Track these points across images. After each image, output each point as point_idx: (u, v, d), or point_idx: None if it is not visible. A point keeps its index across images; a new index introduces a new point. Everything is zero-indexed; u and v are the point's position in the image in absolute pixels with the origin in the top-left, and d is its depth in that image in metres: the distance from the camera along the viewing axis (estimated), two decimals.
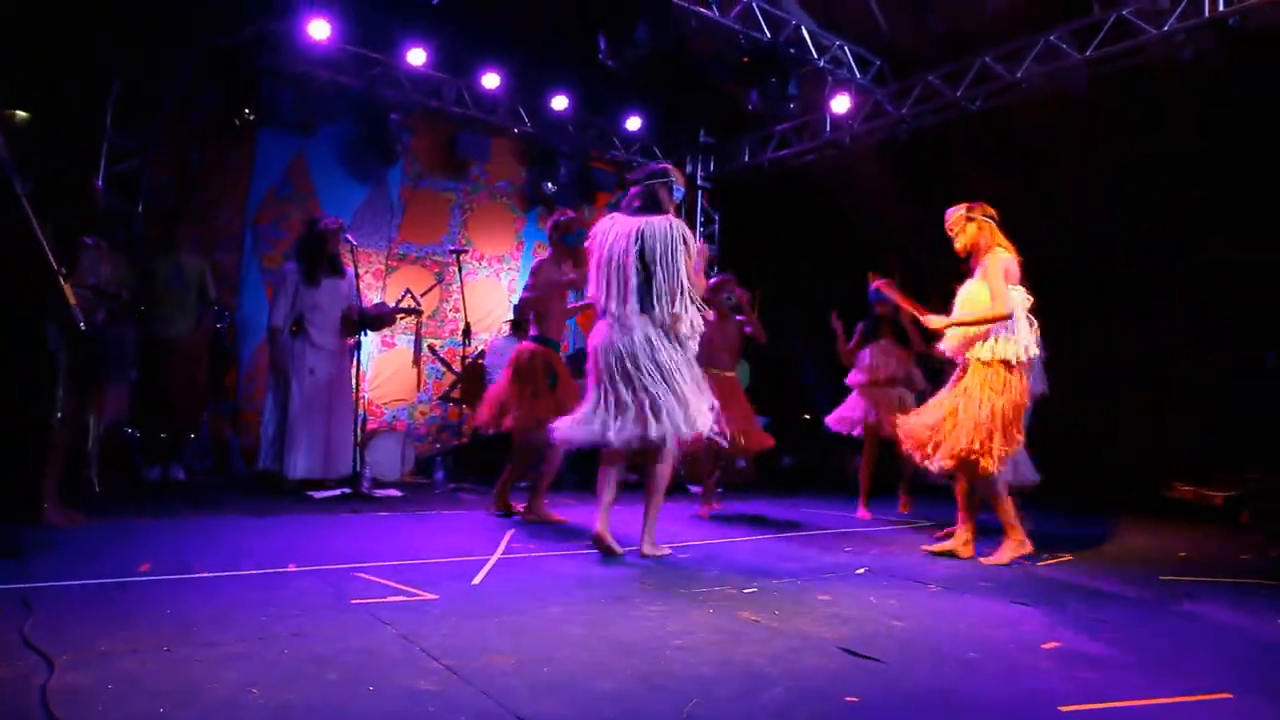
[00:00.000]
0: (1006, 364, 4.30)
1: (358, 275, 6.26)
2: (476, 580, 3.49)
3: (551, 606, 3.09)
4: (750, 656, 2.57)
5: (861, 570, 4.07)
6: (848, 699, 2.24)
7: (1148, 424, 7.69)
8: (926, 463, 4.48)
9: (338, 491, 5.99)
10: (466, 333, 7.09)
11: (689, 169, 10.60)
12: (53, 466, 4.34)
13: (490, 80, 8.46)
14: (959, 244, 4.59)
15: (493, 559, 3.86)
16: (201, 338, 6.51)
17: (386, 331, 7.73)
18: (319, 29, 7.33)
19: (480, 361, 7.80)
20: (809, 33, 8.15)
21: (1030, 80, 7.56)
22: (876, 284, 6.11)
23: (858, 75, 8.57)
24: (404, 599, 3.11)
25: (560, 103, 8.95)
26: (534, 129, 9.12)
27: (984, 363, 4.36)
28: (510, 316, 8.47)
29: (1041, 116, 7.76)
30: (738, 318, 6.40)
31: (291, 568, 3.59)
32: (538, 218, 9.45)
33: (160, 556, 3.67)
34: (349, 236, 6.33)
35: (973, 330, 4.41)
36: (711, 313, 6.28)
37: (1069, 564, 4.44)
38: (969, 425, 4.28)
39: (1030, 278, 4.61)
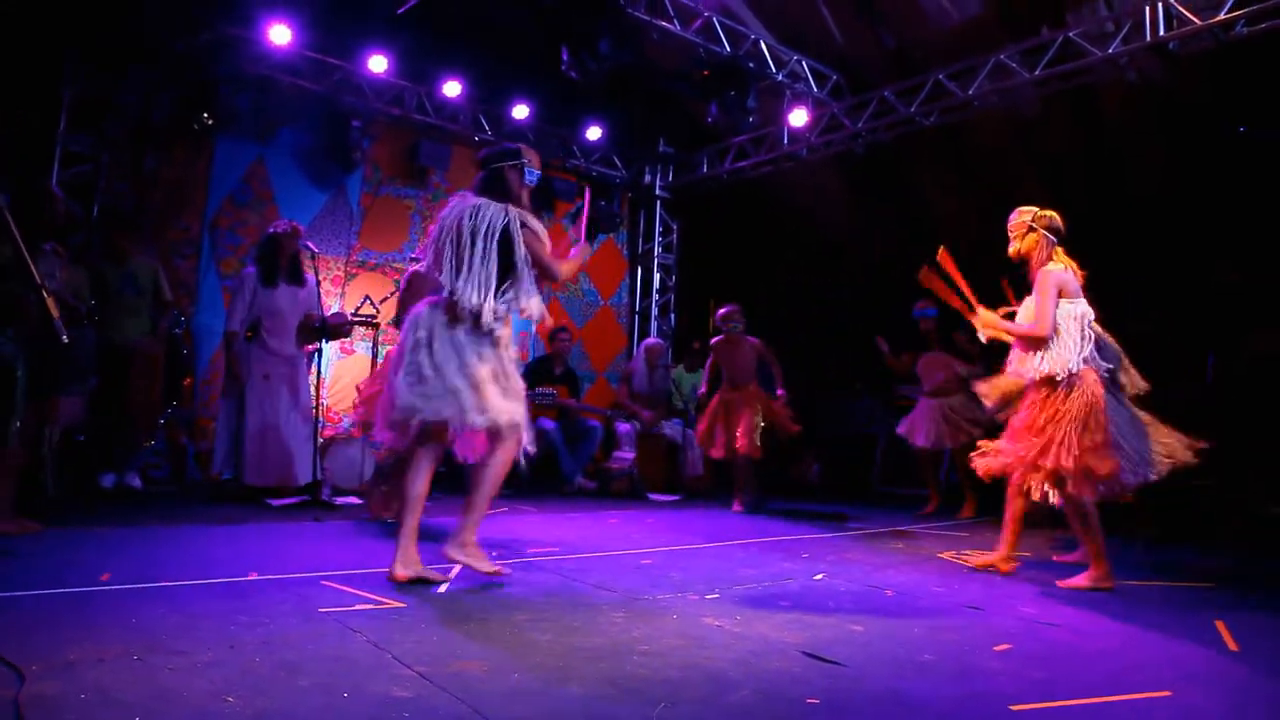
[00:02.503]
0: (1053, 379, 4.17)
1: (319, 283, 6.23)
2: (442, 588, 3.52)
3: (517, 614, 3.14)
4: (714, 660, 2.64)
5: (819, 576, 4.17)
6: (809, 700, 2.32)
7: None
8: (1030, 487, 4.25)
9: (297, 499, 5.96)
10: None
11: (648, 178, 10.71)
12: (7, 476, 4.29)
13: (451, 88, 8.49)
14: (1012, 249, 4.42)
15: (457, 567, 3.89)
16: (157, 343, 6.44)
17: (348, 339, 7.71)
18: (280, 34, 7.33)
19: None
20: (768, 47, 8.31)
21: (982, 98, 7.77)
22: (920, 305, 6.93)
23: (815, 89, 8.74)
24: (372, 607, 3.14)
25: (521, 112, 9.01)
26: (495, 137, 9.15)
27: (1036, 382, 4.26)
28: None
29: (994, 133, 8.00)
30: (749, 340, 7.13)
31: (253, 576, 3.59)
32: None
33: (121, 565, 3.66)
34: (310, 244, 6.31)
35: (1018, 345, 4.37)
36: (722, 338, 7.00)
37: (1024, 569, 4.57)
38: (1040, 444, 4.13)
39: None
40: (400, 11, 6.29)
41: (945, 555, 4.93)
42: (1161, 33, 6.62)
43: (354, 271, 8.45)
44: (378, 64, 8.01)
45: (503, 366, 3.73)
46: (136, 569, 3.62)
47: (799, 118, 8.68)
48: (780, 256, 10.22)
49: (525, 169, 3.84)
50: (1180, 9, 6.51)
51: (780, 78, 8.45)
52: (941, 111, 8.13)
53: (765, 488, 7.39)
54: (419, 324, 3.68)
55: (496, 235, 3.64)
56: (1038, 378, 4.23)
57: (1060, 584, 4.16)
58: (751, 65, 8.13)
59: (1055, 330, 4.19)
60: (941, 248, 4.57)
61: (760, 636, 2.96)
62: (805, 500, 7.90)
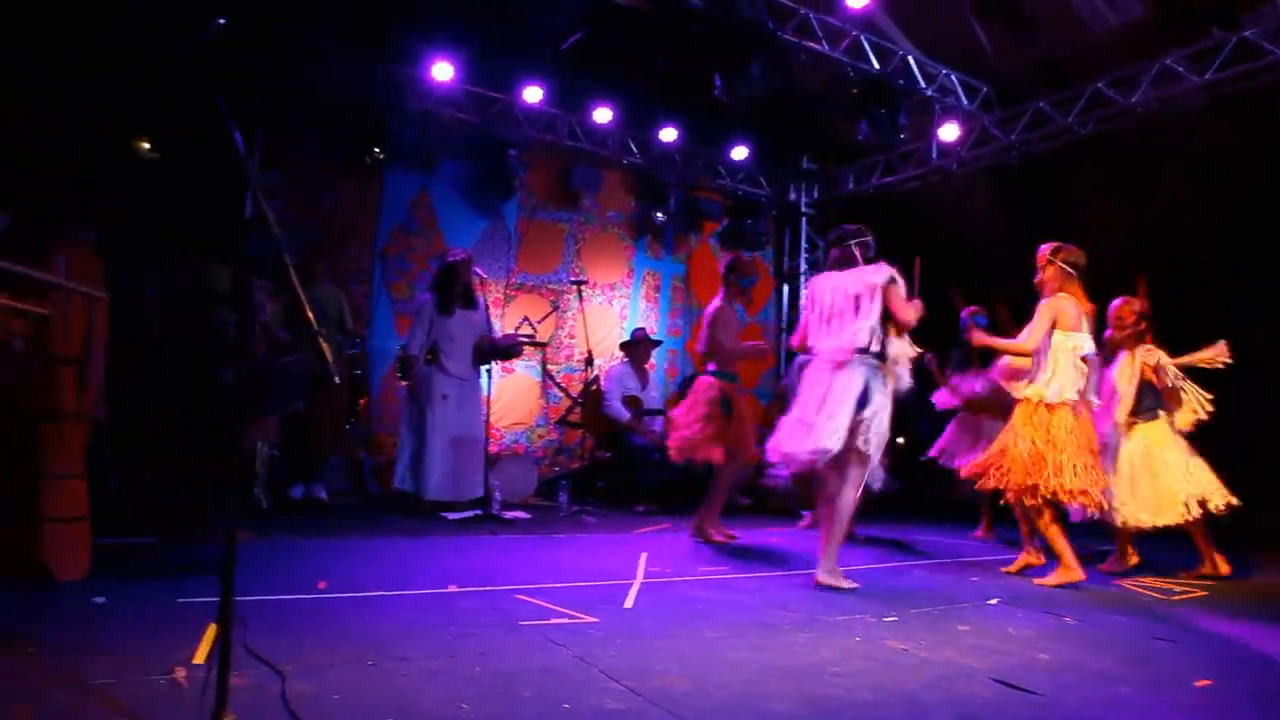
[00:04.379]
0: (1046, 404, 4.58)
1: (487, 306, 6.57)
2: (628, 604, 3.70)
3: (706, 631, 3.28)
4: (906, 684, 2.70)
5: (994, 600, 4.15)
6: None
7: None
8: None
9: (470, 513, 6.28)
10: (589, 360, 7.36)
11: (793, 196, 10.75)
12: (234, 489, 4.72)
13: (602, 115, 8.76)
14: (1036, 279, 4.86)
15: (637, 583, 4.06)
16: (340, 366, 6.91)
17: (511, 359, 8.08)
18: (442, 71, 7.75)
19: (596, 387, 8.06)
20: (916, 62, 8.24)
21: (1145, 104, 7.49)
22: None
23: (965, 102, 8.60)
24: (567, 620, 3.33)
25: (669, 135, 9.21)
26: (643, 160, 9.39)
27: (1021, 400, 4.72)
28: (622, 341, 8.72)
29: (1157, 141, 7.69)
30: None
31: (452, 588, 3.85)
32: (646, 246, 9.74)
33: (332, 574, 3.98)
34: (478, 270, 6.66)
35: (1015, 363, 4.88)
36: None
37: (1207, 599, 4.42)
38: (1018, 461, 4.56)
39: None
40: (563, 48, 6.57)
41: (1125, 583, 4.80)
42: None
43: (512, 293, 8.81)
44: (533, 94, 8.35)
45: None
46: (347, 578, 3.93)
47: (950, 132, 8.57)
48: (929, 272, 10.06)
49: (869, 244, 4.65)
50: None
51: (929, 92, 8.36)
52: (1100, 120, 7.87)
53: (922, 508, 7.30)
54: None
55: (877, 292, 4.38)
56: (1023, 396, 4.68)
57: (1036, 582, 4.64)
58: (900, 81, 8.08)
59: (1035, 352, 4.63)
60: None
61: (947, 662, 3.00)
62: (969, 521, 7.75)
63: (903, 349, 4.39)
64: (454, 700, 2.39)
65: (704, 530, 5.78)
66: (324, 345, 2.05)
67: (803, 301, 4.91)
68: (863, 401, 4.24)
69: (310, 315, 2.07)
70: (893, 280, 4.39)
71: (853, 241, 4.62)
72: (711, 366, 5.81)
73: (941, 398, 6.93)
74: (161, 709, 2.24)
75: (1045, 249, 4.83)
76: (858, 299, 4.39)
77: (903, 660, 2.99)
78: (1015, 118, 8.44)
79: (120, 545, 4.25)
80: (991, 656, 3.08)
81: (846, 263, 4.58)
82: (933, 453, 6.94)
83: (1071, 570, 4.53)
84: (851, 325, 4.34)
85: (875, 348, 4.30)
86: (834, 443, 4.18)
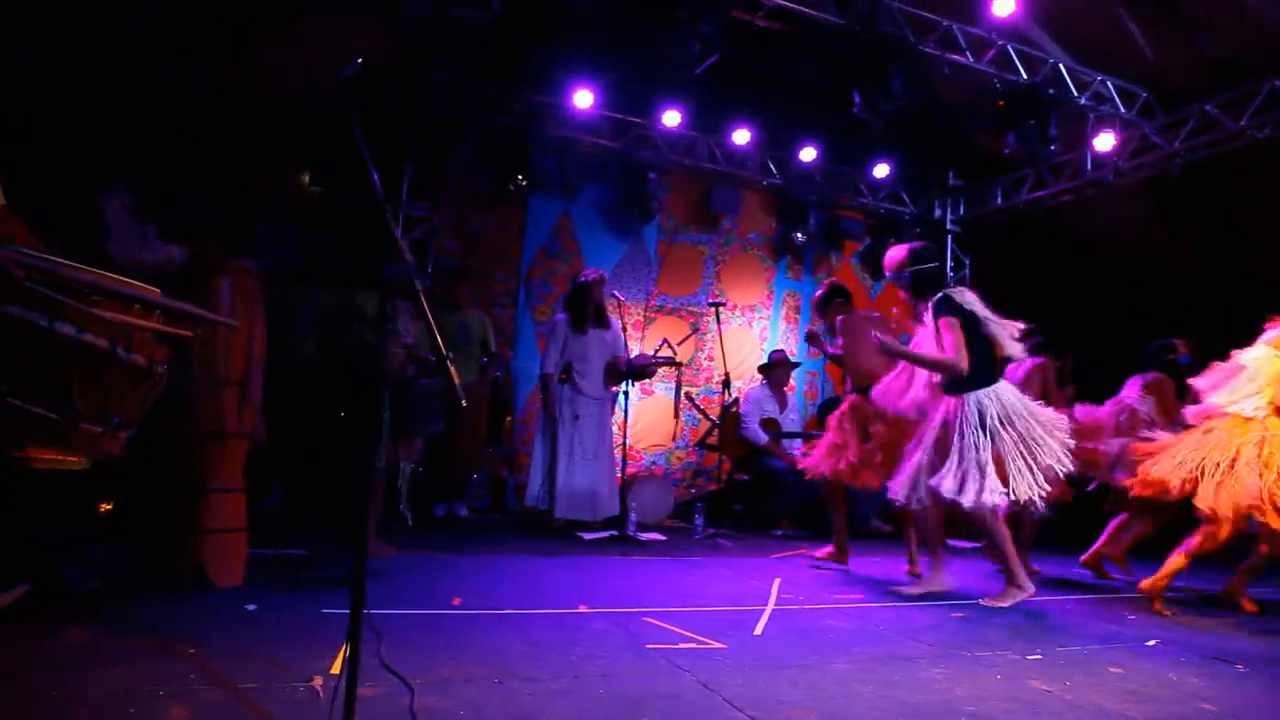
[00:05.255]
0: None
1: (623, 327, 6.64)
2: (758, 630, 3.63)
3: (837, 662, 3.17)
4: None
5: (1153, 642, 3.85)
6: None
7: None
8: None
9: (605, 533, 6.34)
10: (726, 383, 7.33)
11: (938, 213, 10.41)
12: (372, 506, 4.94)
13: (741, 136, 8.75)
14: None
15: (768, 609, 3.99)
16: (483, 387, 7.13)
17: (647, 380, 8.13)
18: (583, 99, 7.94)
19: (735, 410, 8.01)
20: (1067, 70, 7.87)
21: None
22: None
23: (1122, 109, 8.15)
24: (694, 646, 3.30)
25: (808, 154, 9.11)
26: (782, 181, 9.32)
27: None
28: (761, 363, 8.63)
29: None
30: (1035, 362, 6.54)
31: (583, 609, 3.88)
32: (787, 267, 9.65)
33: (468, 590, 4.08)
34: (615, 292, 6.74)
35: None
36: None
37: None
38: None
39: None
40: (697, 72, 6.60)
41: None
42: None
43: (652, 316, 8.89)
44: (671, 119, 8.43)
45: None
46: (481, 595, 4.02)
47: (1105, 142, 8.12)
48: (1083, 288, 9.54)
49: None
50: None
51: (1083, 101, 7.96)
52: (1278, 122, 7.28)
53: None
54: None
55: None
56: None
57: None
58: (1051, 91, 7.72)
59: None
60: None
61: (1095, 706, 2.80)
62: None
63: None
64: None
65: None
66: (452, 369, 2.10)
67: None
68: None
69: (440, 340, 2.13)
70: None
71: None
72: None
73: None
74: (298, 715, 2.34)
75: None
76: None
77: (1045, 703, 2.81)
78: (1178, 124, 7.92)
79: (274, 556, 4.49)
80: (1148, 704, 2.85)
81: None
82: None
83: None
84: None
85: None
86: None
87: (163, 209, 4.24)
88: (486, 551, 5.46)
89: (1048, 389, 6.65)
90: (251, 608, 3.49)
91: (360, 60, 2.06)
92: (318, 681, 2.60)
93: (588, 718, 2.43)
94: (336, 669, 2.71)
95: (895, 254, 5.03)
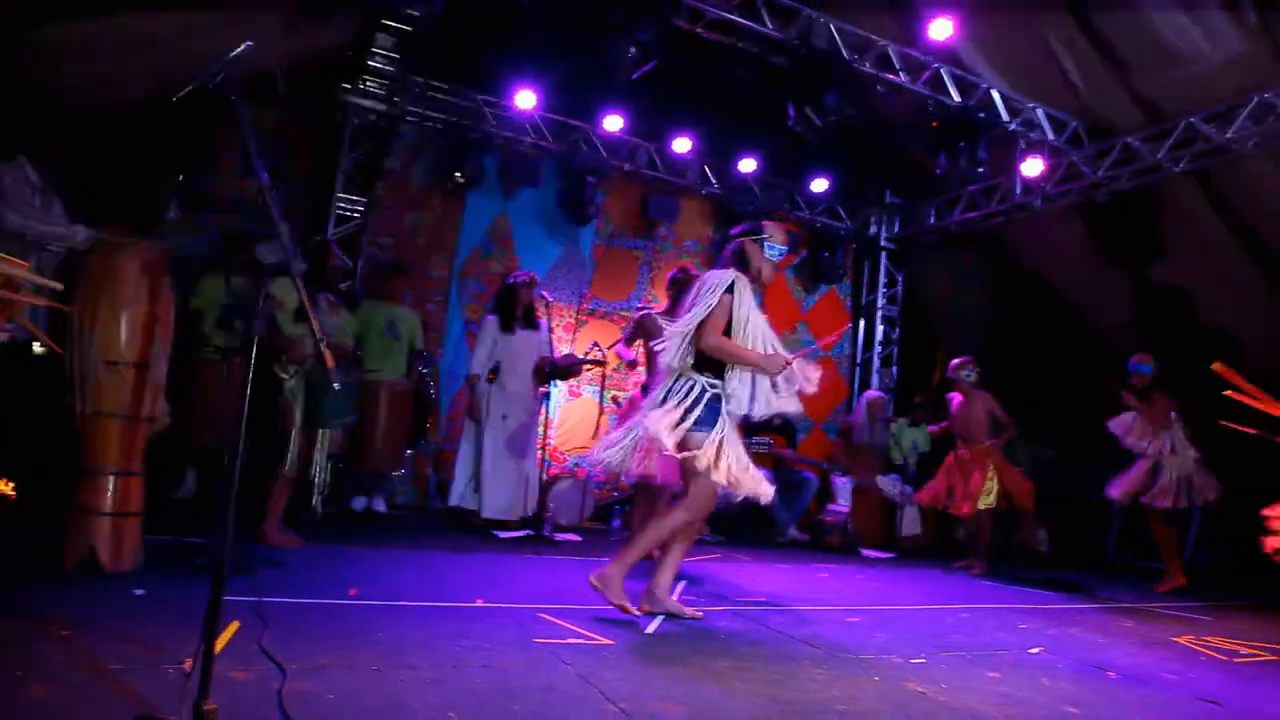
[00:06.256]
0: None
1: (551, 329, 6.66)
2: (650, 629, 3.67)
3: (720, 660, 3.23)
4: None
5: (1036, 650, 3.97)
6: None
7: None
8: None
9: (522, 533, 6.34)
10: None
11: (873, 229, 10.60)
12: (280, 495, 4.90)
13: (681, 144, 8.82)
14: None
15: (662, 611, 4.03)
16: (409, 384, 7.08)
17: (574, 381, 8.15)
18: (525, 99, 7.95)
19: None
20: (1001, 96, 8.06)
21: (1243, 141, 7.17)
22: (1138, 359, 6.78)
23: (1051, 137, 8.37)
24: (582, 641, 3.33)
25: (748, 165, 9.21)
26: (721, 190, 9.41)
27: None
28: None
29: (1253, 178, 7.34)
30: (981, 394, 7.04)
31: (480, 602, 3.89)
32: None
33: (369, 583, 4.07)
34: (544, 293, 6.76)
35: None
36: (958, 393, 7.04)
37: (1273, 663, 4.15)
38: None
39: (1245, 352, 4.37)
40: (635, 77, 6.65)
41: (1183, 639, 4.54)
42: None
43: (585, 319, 8.91)
44: (612, 123, 8.47)
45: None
46: (381, 587, 4.02)
47: (1033, 167, 8.34)
48: (1010, 309, 9.79)
49: (765, 243, 4.08)
50: None
51: (1014, 126, 8.16)
52: (1194, 157, 7.55)
53: (988, 553, 7.05)
54: None
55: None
56: None
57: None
58: (983, 115, 7.92)
59: None
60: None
61: (964, 708, 2.88)
62: (1030, 567, 7.46)
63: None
64: (444, 708, 2.42)
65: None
66: (327, 354, 2.11)
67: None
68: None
69: (315, 324, 2.13)
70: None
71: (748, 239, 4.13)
72: (644, 381, 5.54)
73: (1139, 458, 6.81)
74: (163, 695, 2.32)
75: None
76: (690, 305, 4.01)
77: (918, 704, 2.89)
78: (1104, 153, 8.17)
79: (173, 543, 4.43)
80: (1015, 707, 2.95)
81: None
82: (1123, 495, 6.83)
83: None
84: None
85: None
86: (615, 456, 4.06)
87: (72, 187, 4.18)
88: (397, 546, 5.43)
89: (997, 417, 6.91)
90: (139, 592, 3.44)
91: (249, 43, 2.05)
92: (189, 664, 2.58)
93: (457, 704, 2.45)
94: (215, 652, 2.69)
95: None
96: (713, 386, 3.91)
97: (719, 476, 3.80)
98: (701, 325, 3.87)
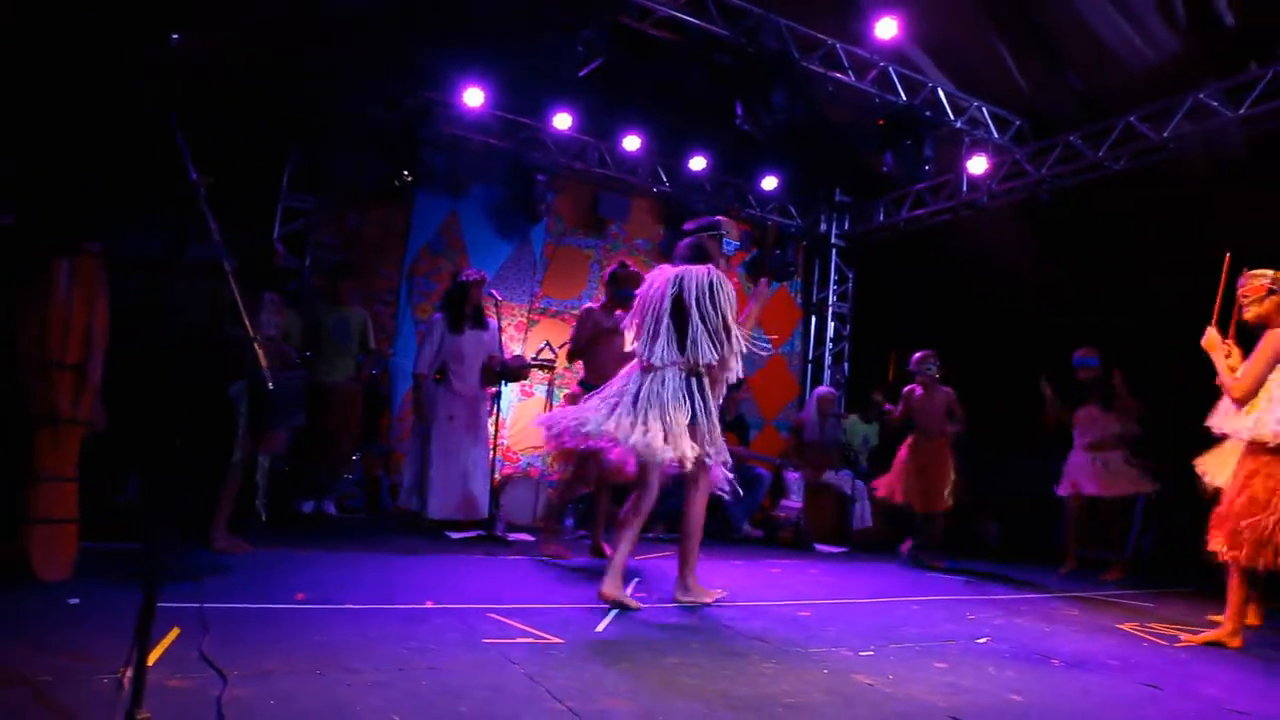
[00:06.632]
0: (1261, 444, 4.07)
1: (500, 328, 6.62)
2: (600, 627, 3.66)
3: (669, 657, 3.22)
4: None
5: (983, 639, 4.03)
6: None
7: None
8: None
9: (474, 533, 6.29)
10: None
11: (824, 227, 10.70)
12: (226, 500, 4.81)
13: (631, 143, 8.83)
14: (1250, 314, 4.29)
15: (614, 610, 4.02)
16: (359, 384, 6.99)
17: (526, 381, 8.10)
18: (474, 97, 7.89)
19: None
20: (946, 94, 8.18)
21: (1179, 140, 7.34)
22: (1082, 353, 6.98)
23: (996, 135, 8.51)
24: (532, 641, 3.31)
25: (698, 163, 9.24)
26: (672, 189, 9.43)
27: (1251, 449, 4.16)
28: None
29: (1190, 177, 7.51)
30: (943, 389, 7.12)
31: (429, 604, 3.85)
32: None
33: (315, 586, 4.01)
34: (494, 291, 6.71)
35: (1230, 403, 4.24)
36: (919, 386, 7.10)
37: (1218, 646, 4.24)
38: (1236, 511, 4.11)
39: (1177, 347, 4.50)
40: (581, 74, 6.63)
41: (1126, 626, 4.64)
42: None
43: (536, 318, 8.88)
44: (562, 121, 8.45)
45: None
46: (329, 591, 3.95)
47: (978, 165, 8.48)
48: (959, 306, 9.93)
49: (723, 239, 4.28)
50: None
51: (959, 124, 8.30)
52: (1132, 155, 7.73)
53: (940, 546, 7.14)
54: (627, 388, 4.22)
55: (709, 296, 4.07)
56: (1250, 439, 4.12)
57: (1188, 640, 4.26)
58: (929, 113, 8.03)
59: (1249, 395, 4.09)
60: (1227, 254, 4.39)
61: (910, 698, 2.91)
62: (981, 560, 7.58)
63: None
64: (388, 711, 2.38)
65: (601, 549, 5.74)
66: (260, 352, 2.07)
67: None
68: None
69: (247, 322, 2.09)
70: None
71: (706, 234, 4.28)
72: (581, 377, 5.61)
73: (1082, 438, 7.10)
74: (96, 707, 2.26)
75: (1261, 280, 4.24)
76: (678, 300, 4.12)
77: (865, 696, 2.91)
78: (1046, 151, 8.32)
79: (113, 550, 4.32)
80: (961, 696, 2.98)
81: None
82: (1065, 491, 7.15)
83: (1233, 635, 4.18)
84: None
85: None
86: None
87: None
88: (347, 549, 5.36)
89: (954, 413, 7.00)
90: (74, 601, 3.35)
91: (176, 36, 2.00)
92: (126, 674, 2.51)
93: (402, 707, 2.42)
94: (152, 661, 2.63)
95: None
96: (698, 378, 4.16)
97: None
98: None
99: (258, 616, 3.41)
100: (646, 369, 4.17)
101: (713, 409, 4.22)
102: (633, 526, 4.21)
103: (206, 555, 4.56)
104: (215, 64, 6.83)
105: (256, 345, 2.07)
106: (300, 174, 7.65)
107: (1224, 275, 4.43)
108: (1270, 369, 4.09)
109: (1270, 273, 4.25)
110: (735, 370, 4.28)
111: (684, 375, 4.13)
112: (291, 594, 3.82)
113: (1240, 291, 4.34)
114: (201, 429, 4.60)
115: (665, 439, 4.00)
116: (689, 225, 4.38)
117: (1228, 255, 4.40)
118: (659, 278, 4.26)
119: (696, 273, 4.13)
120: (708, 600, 4.31)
